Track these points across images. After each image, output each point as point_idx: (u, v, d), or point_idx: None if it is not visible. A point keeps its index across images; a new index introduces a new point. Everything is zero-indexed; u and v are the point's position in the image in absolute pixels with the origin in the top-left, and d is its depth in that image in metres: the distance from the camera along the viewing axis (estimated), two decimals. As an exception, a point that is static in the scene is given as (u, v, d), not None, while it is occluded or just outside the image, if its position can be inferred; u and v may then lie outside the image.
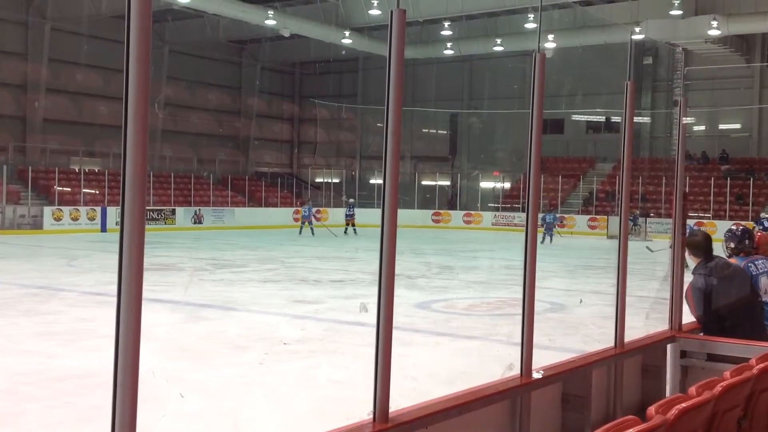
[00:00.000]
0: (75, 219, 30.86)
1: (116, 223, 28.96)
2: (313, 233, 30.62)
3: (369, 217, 32.10)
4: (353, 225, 32.11)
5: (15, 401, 6.60)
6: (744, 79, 37.52)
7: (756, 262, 5.73)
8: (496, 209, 39.61)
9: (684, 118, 6.09)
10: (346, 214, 32.84)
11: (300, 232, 31.06)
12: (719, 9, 31.32)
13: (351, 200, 34.92)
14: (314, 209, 32.74)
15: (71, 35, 34.07)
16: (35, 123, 34.92)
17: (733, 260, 5.76)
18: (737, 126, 38.99)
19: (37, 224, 29.79)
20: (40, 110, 34.69)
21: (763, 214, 12.88)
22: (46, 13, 34.36)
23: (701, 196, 35.31)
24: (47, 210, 30.47)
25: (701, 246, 5.49)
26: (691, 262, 5.47)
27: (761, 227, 7.49)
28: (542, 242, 25.91)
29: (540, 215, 29.04)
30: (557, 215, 33.04)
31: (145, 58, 2.19)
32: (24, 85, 34.86)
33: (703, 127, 39.13)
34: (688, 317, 5.46)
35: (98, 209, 31.64)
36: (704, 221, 32.98)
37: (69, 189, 32.94)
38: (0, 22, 33.36)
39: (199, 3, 32.07)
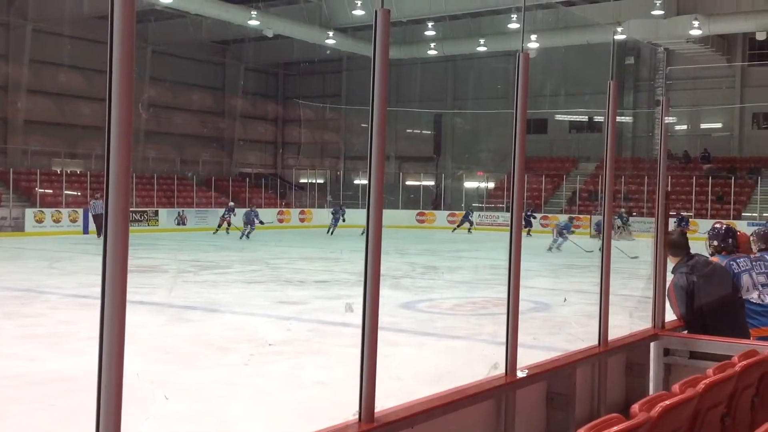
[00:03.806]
0: (57, 221, 30.65)
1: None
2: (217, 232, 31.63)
3: (354, 217, 32.07)
4: (229, 225, 31.95)
5: (-3, 405, 6.55)
6: (725, 79, 37.79)
7: (738, 261, 5.78)
8: (481, 209, 39.70)
9: (666, 118, 6.12)
10: (223, 216, 32.50)
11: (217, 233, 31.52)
12: (700, 9, 31.56)
13: (231, 203, 34.53)
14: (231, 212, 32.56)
15: (53, 36, 33.83)
16: (16, 124, 34.65)
17: (715, 258, 5.81)
18: (719, 125, 39.27)
19: (18, 226, 29.55)
20: (21, 111, 34.42)
21: None
22: (27, 14, 34.10)
23: (683, 195, 35.54)
24: (29, 212, 30.24)
25: (680, 244, 5.54)
26: (670, 262, 5.51)
27: None
28: (550, 249, 24.82)
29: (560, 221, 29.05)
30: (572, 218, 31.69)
31: (129, 59, 2.18)
32: (5, 86, 34.57)
33: (684, 127, 39.40)
34: (671, 315, 5.49)
35: (80, 211, 31.41)
36: (686, 220, 33.19)
37: (51, 191, 32.69)
38: (-20, 23, 33.11)
39: (182, 3, 31.93)
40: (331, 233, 32.33)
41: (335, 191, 43.11)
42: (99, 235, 27.51)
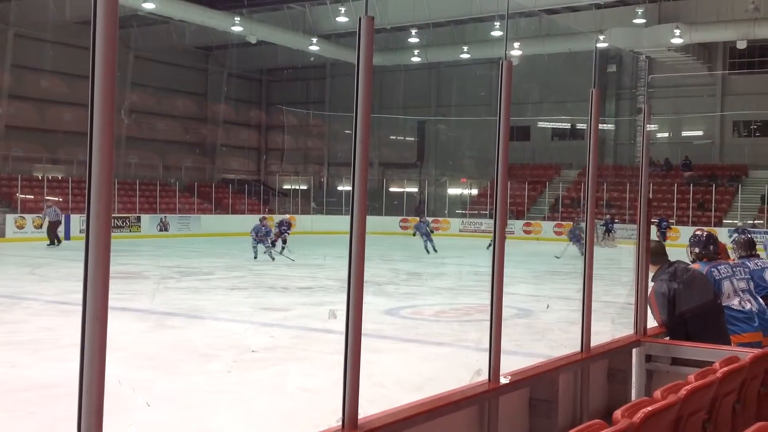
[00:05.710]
0: (38, 227, 30.38)
1: (80, 231, 27.88)
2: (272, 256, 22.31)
3: (337, 223, 32.06)
4: (285, 242, 23.44)
5: (-23, 412, 6.49)
6: (706, 87, 38.14)
7: (719, 267, 5.83)
8: (464, 216, 39.80)
9: (648, 126, 6.16)
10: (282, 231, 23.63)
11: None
12: (682, 18, 31.85)
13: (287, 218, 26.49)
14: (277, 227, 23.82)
15: (35, 41, 33.63)
16: (-3, 130, 34.44)
17: (696, 265, 5.85)
18: (700, 133, 39.60)
19: (-1, 232, 29.33)
20: (2, 117, 34.18)
21: None
22: (9, 19, 33.89)
23: (665, 202, 35.77)
24: (9, 218, 29.99)
25: (657, 252, 5.58)
26: (650, 270, 5.54)
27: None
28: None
29: (600, 223, 29.34)
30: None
31: (111, 65, 2.17)
32: (-14, 91, 34.37)
33: (666, 134, 39.70)
34: (653, 322, 5.52)
35: (62, 217, 31.17)
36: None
37: (32, 196, 32.47)
38: (-39, 27, 32.87)
39: (165, 9, 31.82)
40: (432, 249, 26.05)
41: (318, 198, 43.07)
42: (51, 243, 26.70)
